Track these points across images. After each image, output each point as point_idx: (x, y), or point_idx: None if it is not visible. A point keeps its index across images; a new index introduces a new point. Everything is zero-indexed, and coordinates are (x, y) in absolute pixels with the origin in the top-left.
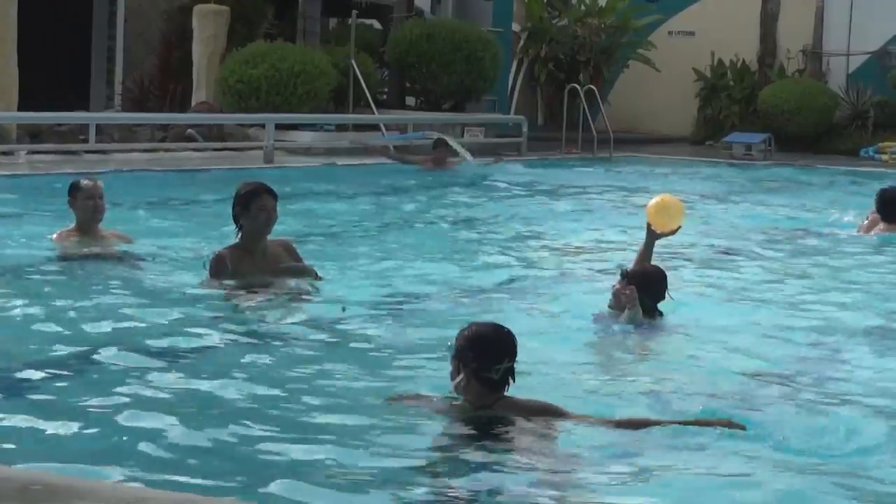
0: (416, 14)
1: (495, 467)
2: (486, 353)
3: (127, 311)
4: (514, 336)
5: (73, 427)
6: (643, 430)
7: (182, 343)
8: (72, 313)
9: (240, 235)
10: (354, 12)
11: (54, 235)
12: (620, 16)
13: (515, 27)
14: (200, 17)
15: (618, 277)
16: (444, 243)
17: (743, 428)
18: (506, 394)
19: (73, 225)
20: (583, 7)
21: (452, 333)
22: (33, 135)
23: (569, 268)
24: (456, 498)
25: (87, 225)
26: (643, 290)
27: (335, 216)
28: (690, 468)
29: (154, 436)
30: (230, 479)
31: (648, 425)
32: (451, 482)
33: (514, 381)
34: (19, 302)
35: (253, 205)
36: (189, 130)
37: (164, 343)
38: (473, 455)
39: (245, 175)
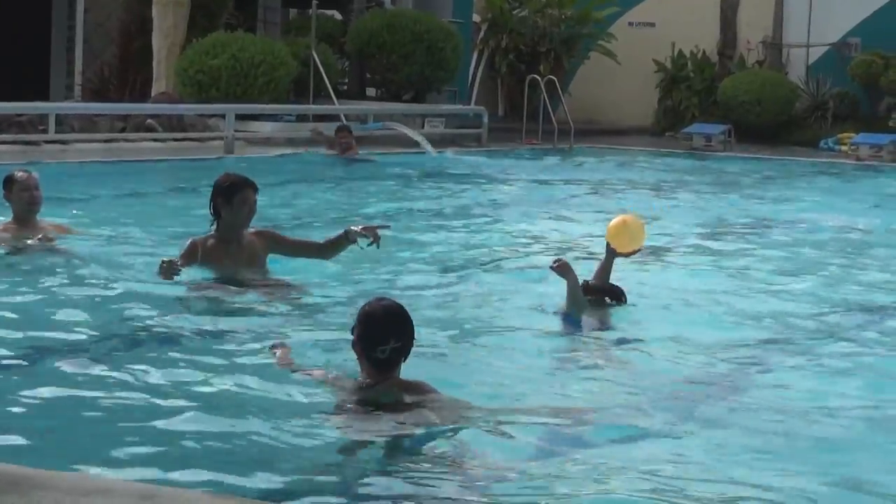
0: (376, 4)
1: (372, 442)
2: (372, 333)
3: (68, 302)
4: (405, 316)
5: (32, 419)
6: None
7: (123, 334)
8: (10, 306)
9: (217, 226)
10: (315, 2)
11: None
12: (581, 6)
13: (476, 18)
14: (160, 7)
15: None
16: (402, 234)
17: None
18: (403, 377)
19: (10, 218)
20: None
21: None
22: None
23: (525, 259)
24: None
25: (24, 217)
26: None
27: (296, 207)
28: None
29: (110, 427)
30: (190, 468)
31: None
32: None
33: (404, 361)
34: None
35: (236, 198)
36: (149, 121)
37: (104, 333)
38: (351, 430)
39: (205, 166)
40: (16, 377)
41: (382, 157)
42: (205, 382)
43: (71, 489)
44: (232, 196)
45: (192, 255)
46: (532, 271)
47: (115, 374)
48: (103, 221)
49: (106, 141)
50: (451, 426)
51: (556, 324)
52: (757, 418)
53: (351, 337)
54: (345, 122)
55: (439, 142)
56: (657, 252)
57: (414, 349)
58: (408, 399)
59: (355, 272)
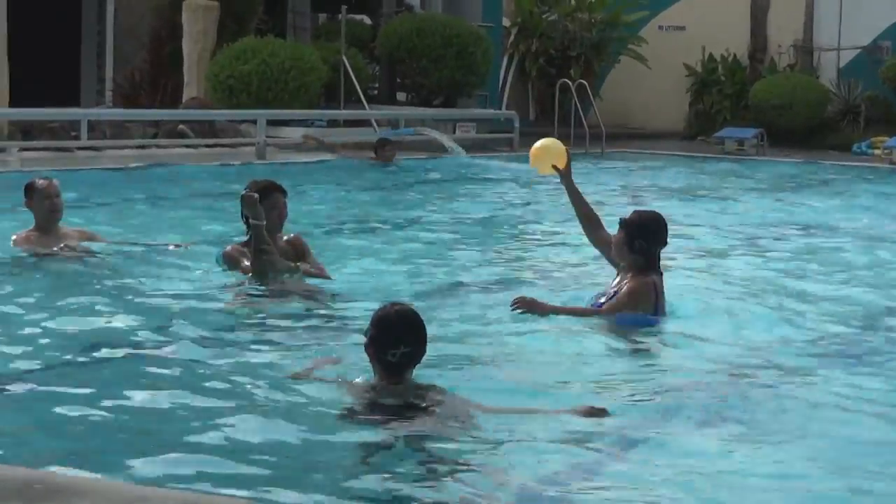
0: (406, 9)
1: (382, 443)
2: (384, 336)
3: (98, 309)
4: (418, 322)
5: (73, 425)
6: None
7: (157, 340)
8: (50, 312)
9: (248, 236)
10: (344, 7)
11: (14, 237)
12: (611, 10)
13: (505, 22)
14: (190, 13)
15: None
16: (434, 238)
17: (603, 412)
18: (417, 381)
19: (32, 226)
20: (573, 2)
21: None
22: (25, 132)
23: (558, 262)
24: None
25: (46, 224)
26: (641, 235)
27: (327, 212)
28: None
29: (148, 434)
30: (227, 476)
31: (518, 412)
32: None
33: (416, 364)
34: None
35: (265, 203)
36: (181, 126)
37: (133, 340)
38: (361, 431)
39: (236, 171)
40: (52, 385)
41: (414, 161)
42: (232, 391)
43: (111, 497)
44: (261, 201)
45: (236, 264)
46: (564, 275)
47: (143, 380)
48: (134, 227)
49: (138, 147)
50: (462, 427)
51: (590, 325)
52: (806, 422)
53: (364, 340)
54: (377, 128)
55: (470, 146)
56: (693, 256)
57: (444, 350)
58: (419, 401)
59: (388, 276)
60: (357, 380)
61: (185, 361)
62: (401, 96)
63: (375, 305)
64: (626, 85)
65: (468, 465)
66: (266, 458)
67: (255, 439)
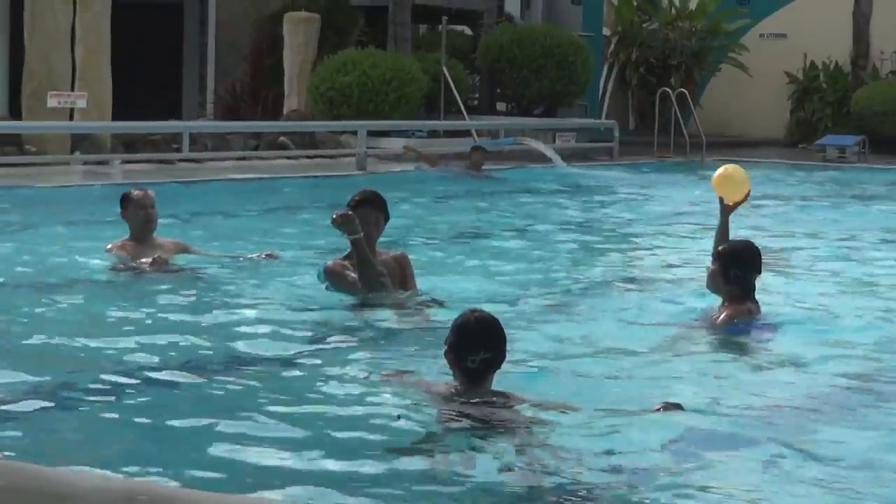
0: (506, 19)
1: (469, 450)
2: (463, 342)
3: (184, 323)
4: (497, 329)
5: (171, 437)
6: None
7: (256, 352)
8: (146, 322)
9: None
10: (445, 18)
11: (109, 246)
12: (711, 19)
13: (606, 31)
14: (291, 25)
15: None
16: (538, 248)
17: (679, 407)
18: (499, 388)
19: (127, 236)
20: (673, 10)
21: (531, 337)
22: (127, 144)
23: (662, 273)
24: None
25: (141, 235)
26: (736, 265)
27: (429, 222)
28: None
29: (250, 448)
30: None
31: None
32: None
33: (492, 372)
34: (101, 311)
35: (359, 214)
36: (281, 138)
37: (234, 354)
38: (451, 437)
39: (337, 183)
40: (154, 396)
41: (513, 172)
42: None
43: None
44: (355, 213)
45: (341, 279)
46: (669, 285)
47: (243, 393)
48: (233, 239)
49: (239, 159)
50: (545, 430)
51: (697, 335)
52: None
53: (444, 347)
54: (476, 139)
55: (570, 156)
56: (797, 264)
57: (543, 357)
58: (498, 408)
59: (494, 286)
60: (439, 386)
61: (281, 376)
62: (501, 106)
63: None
64: (726, 93)
65: (553, 467)
66: (348, 466)
67: (337, 455)
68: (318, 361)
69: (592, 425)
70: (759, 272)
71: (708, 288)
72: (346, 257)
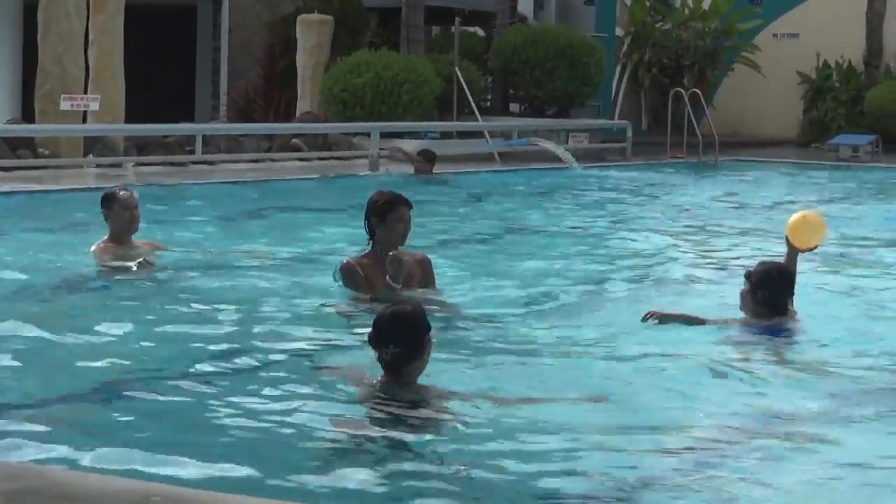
0: (519, 20)
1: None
2: (375, 335)
3: (186, 322)
4: (411, 323)
5: (194, 439)
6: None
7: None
8: (141, 323)
9: (372, 245)
10: (458, 20)
11: (92, 247)
12: (724, 19)
13: (618, 32)
14: (304, 27)
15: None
16: (552, 248)
17: (601, 399)
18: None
19: (106, 236)
20: (686, 11)
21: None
22: (140, 147)
23: (678, 272)
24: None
25: (123, 235)
26: (767, 286)
27: (444, 223)
28: None
29: (256, 450)
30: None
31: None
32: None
33: (407, 366)
34: (96, 313)
35: (390, 216)
36: (294, 140)
37: (234, 350)
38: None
39: (351, 184)
40: (168, 395)
41: (527, 172)
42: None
43: None
44: (386, 214)
45: (356, 277)
46: (681, 284)
47: (253, 390)
48: (241, 239)
49: (252, 161)
50: (459, 421)
51: (708, 336)
52: None
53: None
54: (489, 140)
55: (583, 156)
56: (813, 264)
57: (555, 355)
58: (419, 400)
59: (511, 286)
60: (368, 378)
61: (275, 375)
62: (514, 107)
63: (485, 317)
64: (739, 93)
65: (466, 461)
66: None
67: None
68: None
69: (516, 416)
70: (792, 295)
71: (741, 309)
72: (364, 256)
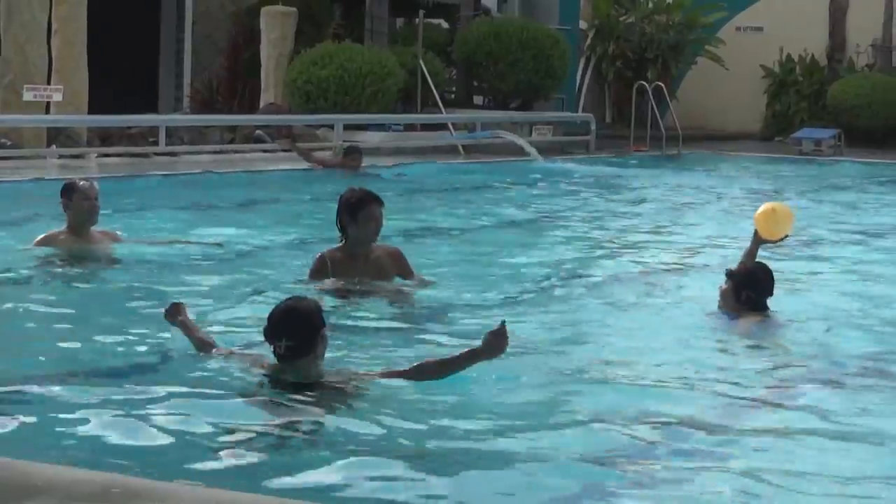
0: (482, 13)
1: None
2: (268, 329)
3: (147, 312)
4: (302, 318)
5: (150, 430)
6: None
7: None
8: (83, 314)
9: (344, 242)
10: (422, 12)
11: (39, 238)
12: (688, 12)
13: (582, 24)
14: (268, 19)
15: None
16: (515, 242)
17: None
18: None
19: (63, 226)
20: (650, 4)
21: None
22: (103, 138)
23: (643, 265)
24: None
25: (82, 226)
26: (752, 287)
27: (408, 216)
28: None
29: (215, 439)
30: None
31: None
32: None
33: (299, 359)
34: (57, 304)
35: (361, 214)
36: (258, 132)
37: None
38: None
39: (314, 176)
40: (127, 389)
41: (489, 164)
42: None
43: (190, 501)
44: (357, 212)
45: (323, 270)
46: (644, 277)
47: (220, 381)
48: (206, 231)
49: (215, 152)
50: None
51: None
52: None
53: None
54: (453, 132)
55: (547, 149)
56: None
57: (525, 348)
58: (320, 380)
59: (483, 276)
60: (262, 360)
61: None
62: (477, 100)
63: (469, 312)
64: (702, 86)
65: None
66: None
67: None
68: None
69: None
70: (771, 294)
71: (719, 308)
72: (339, 249)
